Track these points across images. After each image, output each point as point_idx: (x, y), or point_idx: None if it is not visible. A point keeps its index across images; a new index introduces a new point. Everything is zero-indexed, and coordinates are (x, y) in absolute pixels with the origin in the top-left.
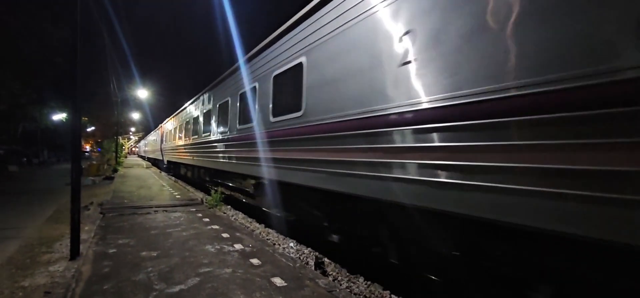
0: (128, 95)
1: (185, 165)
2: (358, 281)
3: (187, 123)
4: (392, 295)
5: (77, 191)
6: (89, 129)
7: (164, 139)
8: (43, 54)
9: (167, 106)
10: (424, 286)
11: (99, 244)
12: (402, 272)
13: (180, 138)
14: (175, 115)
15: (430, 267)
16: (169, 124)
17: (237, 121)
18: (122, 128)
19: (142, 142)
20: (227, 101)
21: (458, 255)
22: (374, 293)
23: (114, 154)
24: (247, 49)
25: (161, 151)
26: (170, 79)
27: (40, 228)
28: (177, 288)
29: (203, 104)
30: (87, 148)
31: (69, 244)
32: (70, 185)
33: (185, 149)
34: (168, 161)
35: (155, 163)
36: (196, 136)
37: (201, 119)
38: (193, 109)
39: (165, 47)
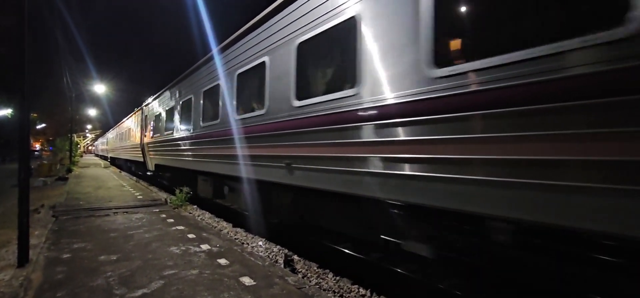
0: (84, 90)
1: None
2: (327, 277)
3: (227, 88)
4: (361, 289)
5: (26, 191)
6: (39, 127)
7: (148, 129)
8: None
9: (128, 102)
10: (391, 279)
11: (51, 249)
12: (370, 267)
13: (197, 123)
14: (179, 83)
15: (397, 261)
16: (163, 102)
17: None
18: (77, 125)
19: (100, 140)
20: None
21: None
22: (343, 288)
23: (67, 153)
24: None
25: (142, 149)
26: (132, 74)
27: None
28: (139, 292)
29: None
30: (37, 146)
31: (16, 250)
32: (17, 186)
33: (219, 144)
34: (158, 166)
35: (118, 164)
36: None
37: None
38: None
39: (126, 40)
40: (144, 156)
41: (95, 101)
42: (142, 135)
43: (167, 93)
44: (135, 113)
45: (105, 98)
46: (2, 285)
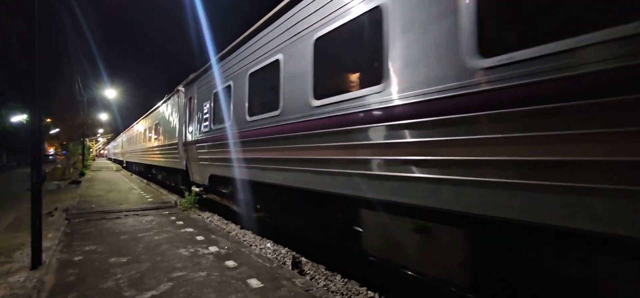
0: (95, 95)
1: None
2: (335, 279)
3: None
4: (369, 292)
5: (38, 195)
6: (53, 132)
7: (196, 120)
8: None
9: (138, 106)
10: (400, 282)
11: (63, 251)
12: (379, 269)
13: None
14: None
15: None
16: (238, 65)
17: None
18: (89, 130)
19: (112, 143)
20: None
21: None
22: (351, 291)
23: (80, 156)
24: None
25: (185, 151)
26: (141, 79)
27: None
28: (148, 295)
29: None
30: (51, 151)
31: (30, 253)
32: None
33: None
34: (217, 179)
35: (137, 171)
36: None
37: None
38: None
39: (136, 45)
40: (187, 163)
41: (106, 105)
42: (184, 130)
43: (254, 45)
44: (167, 100)
45: (115, 103)
46: (16, 287)
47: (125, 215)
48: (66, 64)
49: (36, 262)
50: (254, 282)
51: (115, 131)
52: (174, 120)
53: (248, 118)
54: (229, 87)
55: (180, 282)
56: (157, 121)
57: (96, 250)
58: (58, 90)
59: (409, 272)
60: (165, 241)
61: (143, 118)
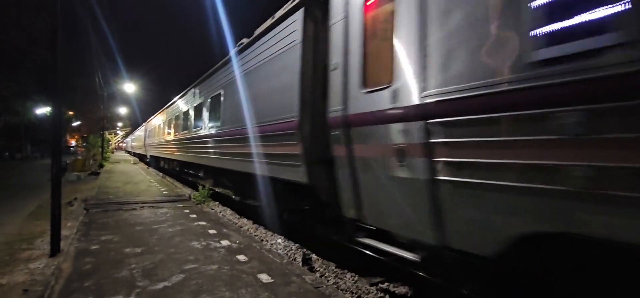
0: (115, 89)
1: None
2: (345, 277)
3: None
4: (379, 292)
5: (58, 186)
6: (74, 124)
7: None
8: (25, 45)
9: (155, 100)
10: (410, 281)
11: (81, 240)
12: (389, 268)
13: None
14: None
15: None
16: None
17: None
18: (108, 123)
19: (130, 136)
20: None
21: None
22: (360, 289)
23: (100, 149)
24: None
25: (344, 144)
26: (158, 73)
27: (21, 225)
28: (160, 285)
29: None
30: (73, 143)
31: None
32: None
33: None
34: None
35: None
36: None
37: None
38: None
39: (154, 39)
40: (343, 174)
41: (125, 100)
42: (346, 85)
43: None
44: (258, 41)
45: (134, 97)
46: (36, 273)
47: (140, 207)
48: (88, 60)
49: (55, 250)
50: (264, 277)
51: (134, 124)
52: (282, 77)
53: None
54: None
55: (192, 274)
56: (220, 91)
57: (112, 240)
58: (80, 84)
59: (421, 273)
60: (179, 233)
61: (187, 92)
